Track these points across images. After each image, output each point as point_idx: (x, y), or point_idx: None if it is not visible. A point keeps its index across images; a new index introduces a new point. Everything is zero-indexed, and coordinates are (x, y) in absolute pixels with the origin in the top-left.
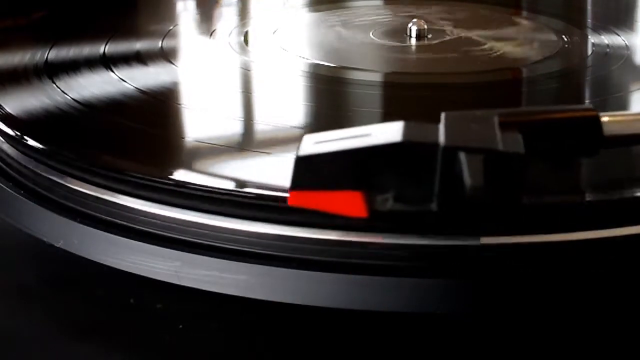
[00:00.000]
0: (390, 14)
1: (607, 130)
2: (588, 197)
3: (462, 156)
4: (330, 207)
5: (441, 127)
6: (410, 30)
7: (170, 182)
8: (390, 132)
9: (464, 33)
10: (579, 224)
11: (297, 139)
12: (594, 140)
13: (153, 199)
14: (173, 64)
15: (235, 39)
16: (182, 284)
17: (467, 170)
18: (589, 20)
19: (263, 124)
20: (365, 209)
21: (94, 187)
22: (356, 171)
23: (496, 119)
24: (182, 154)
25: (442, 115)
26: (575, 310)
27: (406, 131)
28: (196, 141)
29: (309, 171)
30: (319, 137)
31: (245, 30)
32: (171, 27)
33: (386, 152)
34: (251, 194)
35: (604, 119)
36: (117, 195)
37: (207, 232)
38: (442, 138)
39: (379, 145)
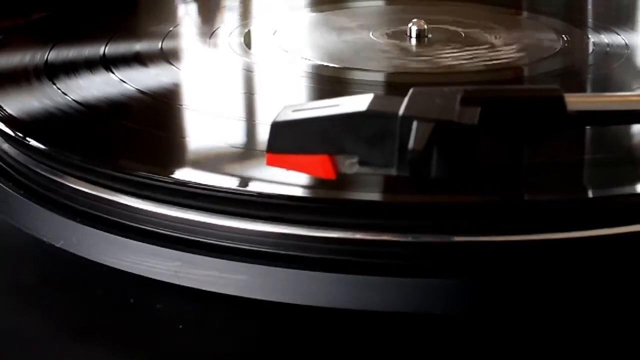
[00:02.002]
0: (391, 14)
1: (571, 108)
2: (588, 195)
3: (414, 124)
4: (302, 169)
5: (405, 100)
6: (411, 30)
7: (170, 181)
8: (358, 103)
9: (464, 33)
10: (579, 222)
11: None
12: (557, 117)
13: (153, 198)
14: (173, 65)
15: (236, 39)
16: (182, 284)
17: (414, 136)
18: (589, 19)
19: (263, 123)
20: (333, 171)
21: (93, 187)
22: (325, 137)
23: (459, 95)
24: (182, 154)
25: (410, 90)
26: (577, 310)
27: (372, 102)
28: (196, 141)
29: (284, 136)
30: (297, 106)
31: (245, 31)
32: (171, 28)
33: (351, 120)
34: (251, 193)
35: (568, 97)
36: (117, 194)
37: (207, 231)
38: (402, 109)
39: (345, 113)
